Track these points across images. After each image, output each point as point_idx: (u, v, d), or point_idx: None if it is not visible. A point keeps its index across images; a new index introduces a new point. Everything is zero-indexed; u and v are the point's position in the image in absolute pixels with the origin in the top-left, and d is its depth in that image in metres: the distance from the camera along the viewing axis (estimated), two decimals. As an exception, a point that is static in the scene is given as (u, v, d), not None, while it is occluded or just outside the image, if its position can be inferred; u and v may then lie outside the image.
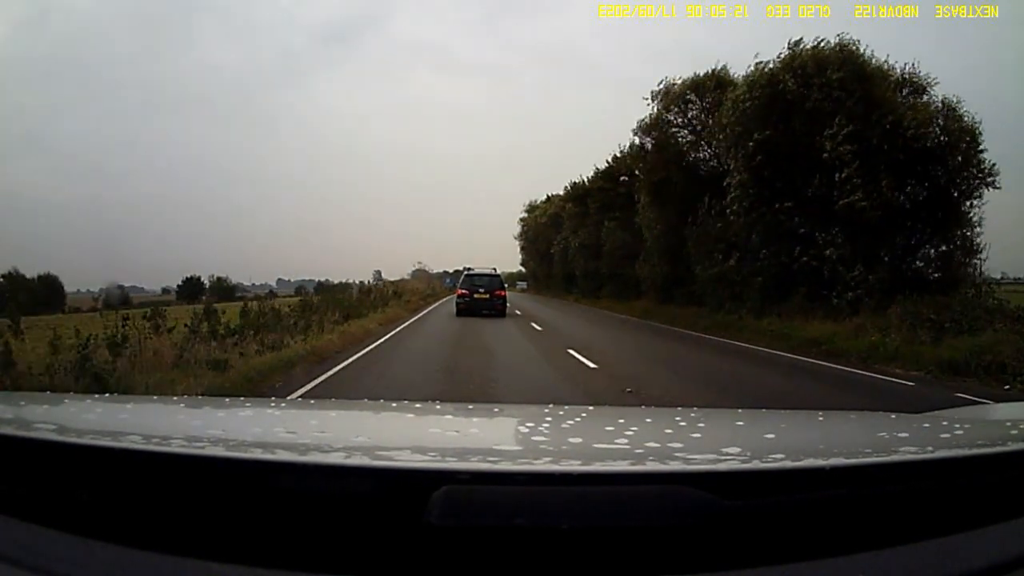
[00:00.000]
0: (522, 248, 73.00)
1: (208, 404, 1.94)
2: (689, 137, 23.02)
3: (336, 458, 0.99)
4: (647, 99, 23.06)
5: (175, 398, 2.08)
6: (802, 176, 16.51)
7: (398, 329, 18.04)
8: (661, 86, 22.55)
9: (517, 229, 71.09)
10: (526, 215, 67.29)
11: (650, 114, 23.28)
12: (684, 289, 22.96)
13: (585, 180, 39.74)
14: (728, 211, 18.58)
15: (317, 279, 31.23)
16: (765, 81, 17.11)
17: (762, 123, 17.04)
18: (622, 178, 30.60)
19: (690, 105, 22.65)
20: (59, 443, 1.00)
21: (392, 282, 42.35)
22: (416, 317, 23.82)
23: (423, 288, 45.01)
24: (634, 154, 26.97)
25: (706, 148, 22.46)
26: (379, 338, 15.10)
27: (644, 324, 21.80)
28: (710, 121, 21.03)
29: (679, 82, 22.40)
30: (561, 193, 52.30)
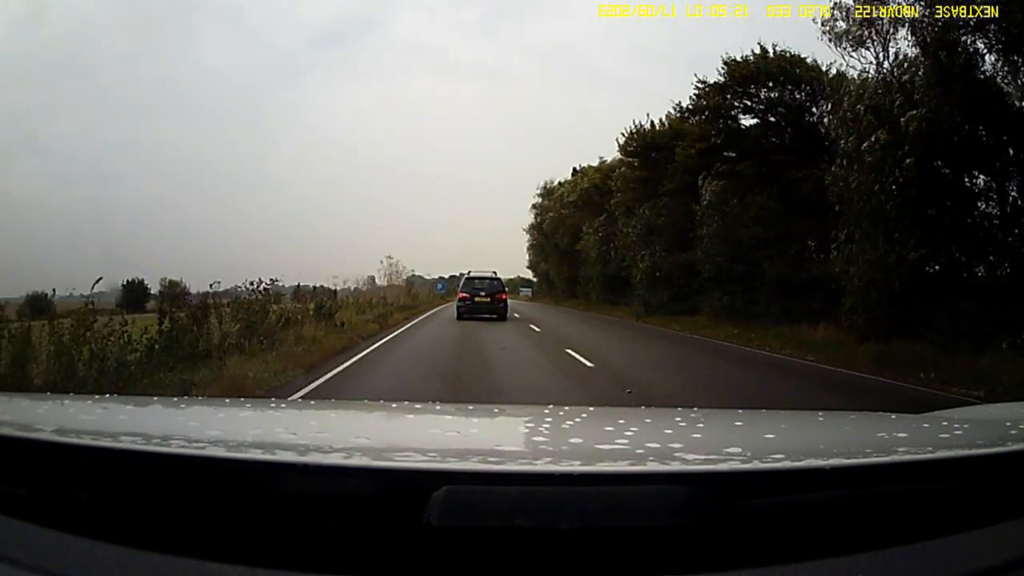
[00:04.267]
0: (531, 246, 57.35)
1: (208, 404, 1.94)
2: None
3: (336, 458, 0.99)
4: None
5: (175, 399, 2.08)
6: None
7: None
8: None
9: (526, 220, 55.96)
10: (540, 200, 51.40)
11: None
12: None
13: (663, 120, 24.78)
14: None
15: (299, 283, 24.03)
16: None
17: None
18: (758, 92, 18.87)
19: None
20: (59, 443, 1.00)
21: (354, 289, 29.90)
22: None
23: (401, 297, 32.25)
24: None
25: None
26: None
27: None
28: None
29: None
30: (581, 169, 40.11)
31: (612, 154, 32.97)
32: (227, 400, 2.11)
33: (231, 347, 10.68)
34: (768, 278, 17.49)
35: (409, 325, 20.98)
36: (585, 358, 11.01)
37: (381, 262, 37.66)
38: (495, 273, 24.34)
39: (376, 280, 36.43)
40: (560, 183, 46.19)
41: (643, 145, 25.88)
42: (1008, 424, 1.39)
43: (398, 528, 0.82)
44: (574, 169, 42.46)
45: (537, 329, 18.61)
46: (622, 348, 14.71)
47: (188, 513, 0.87)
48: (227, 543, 0.83)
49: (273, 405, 2.15)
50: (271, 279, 13.76)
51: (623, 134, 26.71)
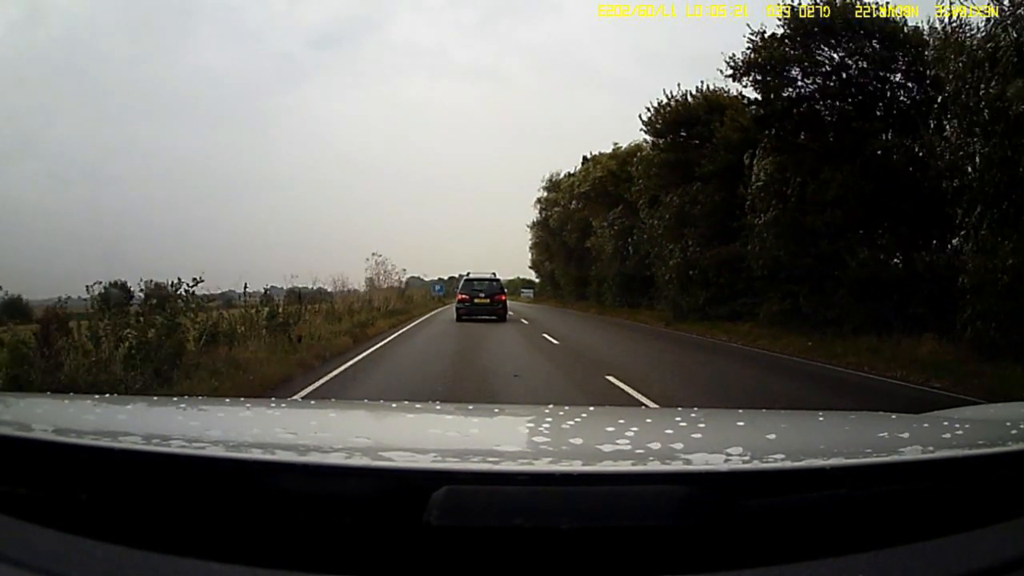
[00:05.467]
0: (534, 244, 52.65)
1: (208, 404, 1.94)
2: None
3: (336, 458, 0.99)
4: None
5: (175, 398, 2.08)
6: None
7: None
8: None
9: (528, 219, 51.53)
10: (546, 194, 46.09)
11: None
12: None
13: (697, 91, 20.94)
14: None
15: (294, 285, 18.91)
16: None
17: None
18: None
19: None
20: (59, 443, 1.00)
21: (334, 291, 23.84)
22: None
23: (392, 300, 27.72)
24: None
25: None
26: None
27: None
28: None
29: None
30: (594, 156, 34.40)
31: (628, 140, 30.13)
32: (227, 400, 2.11)
33: (107, 382, 6.69)
34: (847, 275, 13.40)
35: (394, 336, 16.57)
36: (642, 392, 7.48)
37: (367, 260, 31.02)
38: (494, 274, 24.18)
39: (364, 281, 30.14)
40: (569, 173, 40.76)
41: (673, 121, 21.40)
42: (1008, 424, 1.38)
43: (398, 528, 0.82)
44: (584, 158, 36.43)
45: (555, 341, 15.06)
46: (685, 372, 10.34)
47: (188, 513, 0.87)
48: (227, 543, 0.83)
49: (273, 405, 2.15)
50: (194, 278, 9.03)
51: (648, 108, 21.78)
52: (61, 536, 0.85)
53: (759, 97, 15.74)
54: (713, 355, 12.96)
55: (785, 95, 15.16)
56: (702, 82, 21.26)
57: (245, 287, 13.85)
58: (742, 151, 17.45)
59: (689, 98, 21.31)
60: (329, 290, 22.81)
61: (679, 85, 21.98)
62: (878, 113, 14.53)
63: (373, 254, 31.10)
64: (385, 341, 15.07)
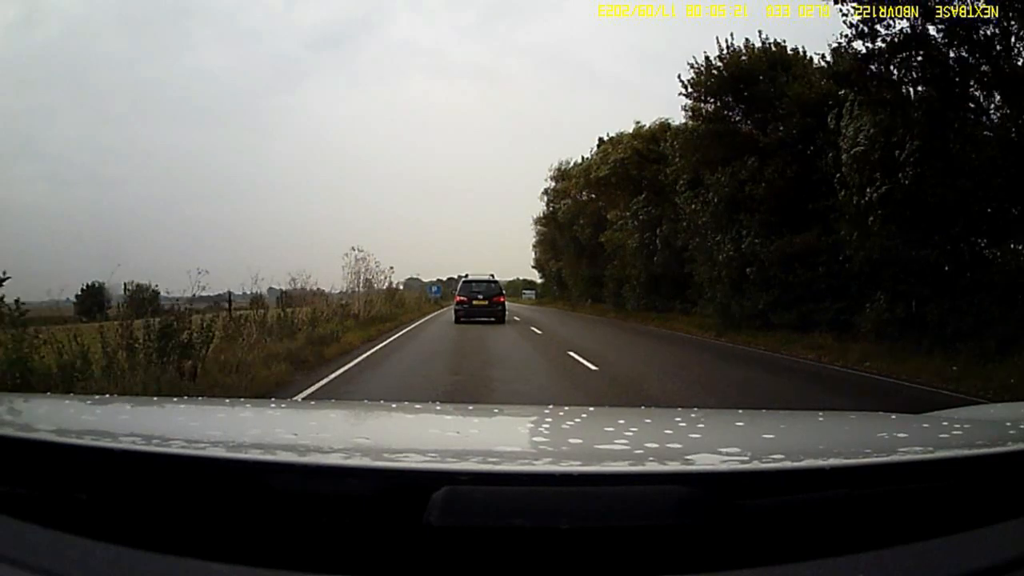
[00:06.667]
0: (538, 242, 48.52)
1: (208, 405, 1.94)
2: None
3: (336, 459, 0.99)
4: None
5: (175, 399, 2.08)
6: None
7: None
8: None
9: (529, 218, 48.11)
10: (554, 185, 41.17)
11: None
12: None
13: (753, 45, 16.92)
14: None
15: (283, 287, 17.01)
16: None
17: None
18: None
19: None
20: (59, 444, 1.00)
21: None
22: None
23: (377, 304, 23.73)
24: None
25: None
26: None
27: None
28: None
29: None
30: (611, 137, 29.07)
31: (652, 118, 26.51)
32: (227, 400, 2.11)
33: None
34: (990, 270, 10.18)
35: (360, 359, 11.63)
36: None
37: (345, 256, 23.34)
38: (492, 276, 23.94)
39: (344, 281, 23.70)
40: (583, 157, 35.34)
41: (732, 77, 16.65)
42: (1008, 424, 1.39)
43: (398, 528, 0.82)
44: (601, 139, 31.18)
45: (591, 366, 10.12)
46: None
47: (188, 513, 0.87)
48: (227, 543, 0.83)
49: (273, 405, 2.15)
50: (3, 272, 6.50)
51: (692, 65, 17.37)
52: (61, 536, 0.85)
53: (863, 28, 11.18)
54: (833, 390, 8.77)
55: (897, 28, 10.86)
56: (761, 32, 17.11)
57: (194, 293, 9.71)
58: (823, 112, 13.80)
59: (745, 54, 17.01)
60: (336, 291, 20.02)
61: (731, 36, 17.13)
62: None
63: (353, 248, 23.91)
64: (343, 370, 10.19)
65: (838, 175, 12.88)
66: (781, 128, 15.75)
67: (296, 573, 0.81)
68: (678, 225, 21.12)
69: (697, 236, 18.89)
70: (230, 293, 14.88)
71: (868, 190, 11.80)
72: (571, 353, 11.84)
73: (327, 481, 0.88)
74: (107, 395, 2.12)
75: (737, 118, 17.33)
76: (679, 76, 17.65)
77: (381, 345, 14.61)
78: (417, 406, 1.86)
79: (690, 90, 17.75)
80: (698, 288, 19.94)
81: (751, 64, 16.94)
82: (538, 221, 46.37)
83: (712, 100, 17.60)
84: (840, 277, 13.60)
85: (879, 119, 11.83)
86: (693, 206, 18.75)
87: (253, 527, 0.85)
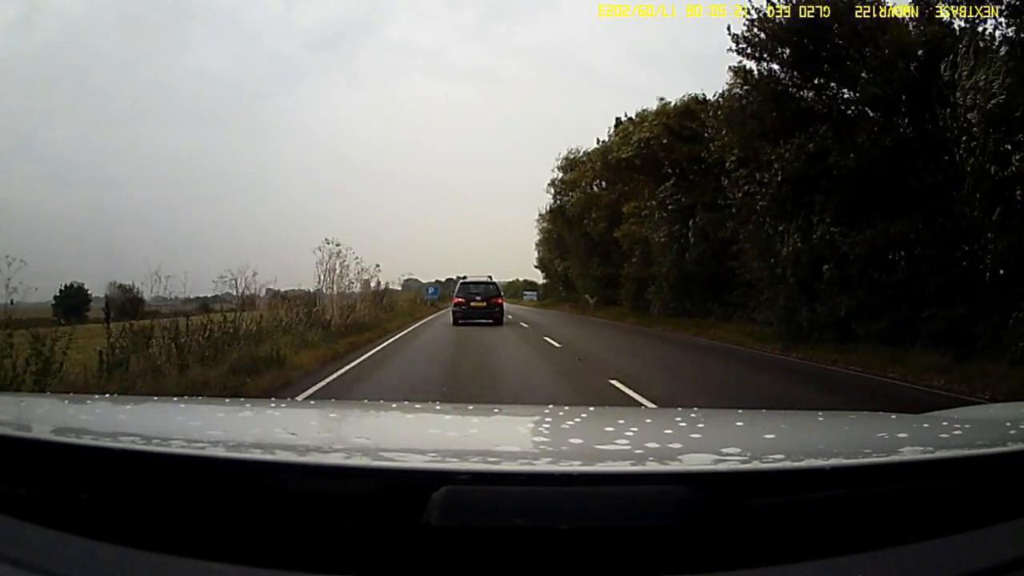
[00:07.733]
0: (543, 240, 45.32)
1: (208, 404, 1.94)
2: None
3: (336, 458, 0.99)
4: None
5: (175, 399, 2.08)
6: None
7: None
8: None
9: (531, 217, 45.35)
10: (562, 176, 37.66)
11: None
12: None
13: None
14: None
15: (286, 288, 15.90)
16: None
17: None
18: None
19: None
20: (59, 443, 1.00)
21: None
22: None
23: (358, 307, 19.49)
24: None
25: None
26: None
27: None
28: None
29: None
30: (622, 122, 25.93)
31: (679, 94, 22.72)
32: (227, 400, 2.12)
33: None
34: None
35: (305, 396, 7.76)
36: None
37: (318, 250, 18.40)
38: (490, 277, 23.75)
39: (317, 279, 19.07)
40: (599, 141, 30.69)
41: (804, 23, 12.53)
42: (1008, 424, 1.38)
43: (398, 528, 0.82)
44: (618, 119, 27.37)
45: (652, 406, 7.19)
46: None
47: (188, 513, 0.87)
48: (227, 543, 0.83)
49: (273, 405, 2.15)
50: None
51: (749, 10, 13.43)
52: (61, 536, 0.85)
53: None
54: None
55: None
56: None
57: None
58: (932, 60, 10.82)
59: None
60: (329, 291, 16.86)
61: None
62: None
63: (327, 240, 18.64)
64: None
65: (963, 139, 9.71)
66: (874, 85, 11.90)
67: (296, 573, 0.81)
68: (719, 213, 17.35)
69: (750, 225, 15.05)
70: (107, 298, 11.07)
71: (1015, 157, 8.95)
72: (615, 383, 8.20)
73: (327, 481, 0.88)
74: (107, 395, 2.12)
75: (808, 74, 13.33)
76: (728, 28, 13.78)
77: (341, 372, 10.05)
78: (417, 406, 1.86)
79: (743, 45, 13.68)
80: (746, 289, 16.20)
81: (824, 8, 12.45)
82: (543, 217, 42.72)
83: (771, 56, 13.61)
84: (955, 275, 10.32)
85: (1014, 66, 8.86)
86: (747, 187, 14.77)
87: (253, 527, 0.85)
